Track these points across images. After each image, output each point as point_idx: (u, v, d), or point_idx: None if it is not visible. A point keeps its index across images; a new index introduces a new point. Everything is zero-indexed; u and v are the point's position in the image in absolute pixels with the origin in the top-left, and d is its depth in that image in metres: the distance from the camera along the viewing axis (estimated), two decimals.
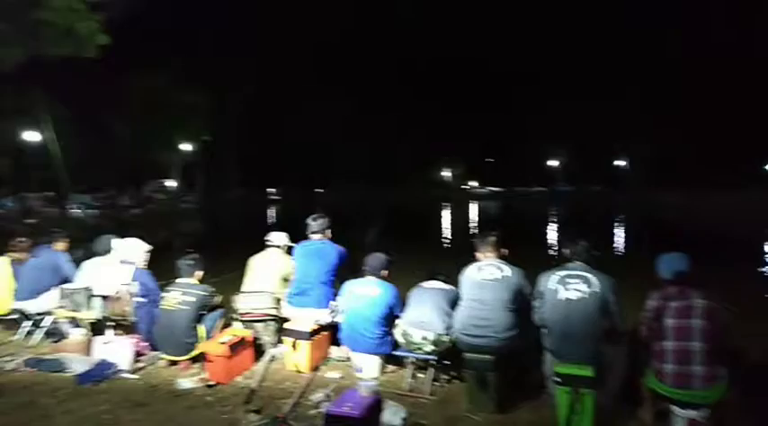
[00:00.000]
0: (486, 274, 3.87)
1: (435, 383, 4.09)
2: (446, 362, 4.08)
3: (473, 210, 38.48)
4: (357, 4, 58.03)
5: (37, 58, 14.73)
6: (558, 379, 3.21)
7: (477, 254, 4.09)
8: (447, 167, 72.40)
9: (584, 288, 3.49)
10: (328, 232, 5.08)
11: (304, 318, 4.64)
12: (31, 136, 25.18)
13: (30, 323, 5.28)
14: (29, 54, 13.87)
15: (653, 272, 3.45)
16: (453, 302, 4.06)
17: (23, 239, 5.80)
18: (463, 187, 70.51)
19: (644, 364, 3.27)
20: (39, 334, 5.26)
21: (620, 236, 21.09)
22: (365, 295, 4.32)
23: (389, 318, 4.31)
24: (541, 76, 61.05)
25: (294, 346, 4.48)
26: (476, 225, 26.15)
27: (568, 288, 3.53)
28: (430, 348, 3.98)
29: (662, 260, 3.38)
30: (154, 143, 34.92)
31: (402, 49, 64.32)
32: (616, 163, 58.46)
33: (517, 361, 3.80)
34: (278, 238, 5.27)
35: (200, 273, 4.86)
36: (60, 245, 5.69)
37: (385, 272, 4.46)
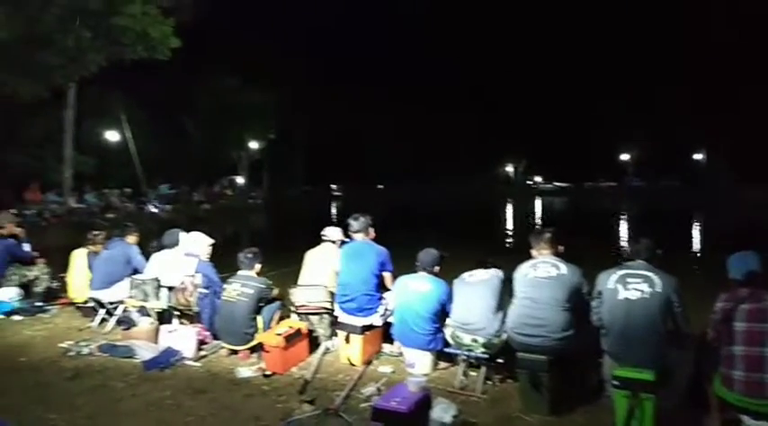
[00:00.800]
0: (541, 272, 3.75)
1: (488, 381, 4.01)
2: (499, 361, 4.00)
3: (537, 206, 37.40)
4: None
5: (115, 62, 15.74)
6: (617, 383, 3.06)
7: (532, 251, 3.97)
8: (510, 162, 70.70)
9: (645, 287, 3.30)
10: (371, 231, 5.04)
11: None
12: (112, 136, 26.94)
13: (104, 311, 5.65)
14: (108, 58, 14.83)
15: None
16: (501, 292, 3.97)
17: (98, 232, 6.22)
18: (528, 182, 68.65)
19: (711, 369, 3.06)
20: (111, 322, 5.62)
21: (697, 236, 19.85)
22: (416, 290, 4.30)
23: (440, 314, 4.28)
24: (612, 65, 58.28)
25: (347, 339, 4.54)
26: (539, 221, 25.47)
27: (628, 287, 3.35)
28: (481, 349, 3.92)
29: (732, 259, 3.14)
30: (224, 141, 36.45)
31: (461, 42, 63.53)
32: (695, 156, 54.82)
33: (573, 363, 3.66)
34: (332, 233, 5.36)
35: (258, 266, 5.02)
36: (132, 238, 6.05)
37: (436, 268, 4.42)
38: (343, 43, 56.15)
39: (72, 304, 6.30)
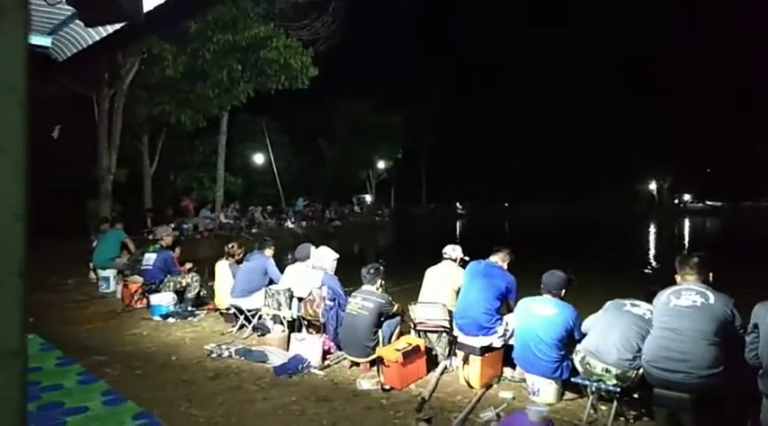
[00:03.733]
0: (684, 300, 3.36)
1: (620, 418, 3.68)
2: (633, 395, 3.64)
3: (685, 228, 33.75)
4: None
5: (260, 91, 17.34)
6: None
7: (677, 277, 3.59)
8: (654, 178, 64.74)
9: None
10: (507, 258, 4.93)
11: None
12: (257, 158, 29.66)
13: (243, 317, 6.15)
14: (255, 89, 16.39)
15: None
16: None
17: (233, 245, 6.84)
18: (675, 201, 62.37)
19: None
20: (249, 328, 6.09)
21: None
22: (541, 314, 4.10)
23: (567, 341, 4.02)
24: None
25: (466, 360, 4.45)
26: (687, 246, 22.94)
27: None
28: (613, 381, 3.60)
29: None
30: (354, 162, 38.33)
31: (599, 47, 60.05)
32: None
33: (721, 405, 3.22)
34: (452, 251, 5.34)
35: (380, 282, 5.15)
36: (269, 251, 6.54)
37: (563, 292, 4.18)
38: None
39: (217, 310, 6.97)
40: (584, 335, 4.02)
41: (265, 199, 28.05)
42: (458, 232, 34.14)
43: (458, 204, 56.60)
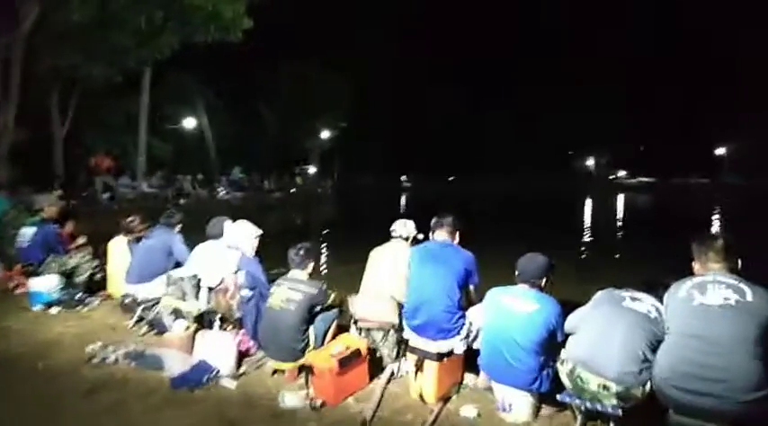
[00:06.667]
0: (713, 297, 2.52)
1: None
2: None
3: (620, 203, 34.33)
4: None
5: (190, 46, 15.50)
6: None
7: (695, 265, 2.75)
8: (591, 155, 66.60)
9: None
10: (455, 231, 3.86)
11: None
12: (188, 122, 27.38)
13: (140, 308, 4.93)
14: (180, 41, 14.55)
15: None
16: (659, 333, 2.76)
17: (134, 218, 5.53)
18: (610, 177, 64.39)
19: None
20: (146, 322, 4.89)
21: None
22: (516, 310, 3.17)
23: (549, 345, 3.13)
24: (709, 51, 53.18)
25: (419, 367, 3.49)
26: (622, 221, 23.03)
27: None
28: (613, 401, 2.74)
29: None
30: (296, 129, 36.54)
31: (543, 31, 60.35)
32: None
33: None
34: (403, 228, 4.30)
35: (311, 266, 4.09)
36: (175, 226, 5.30)
37: (544, 281, 3.26)
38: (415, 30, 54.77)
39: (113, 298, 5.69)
40: (566, 336, 3.16)
41: (198, 168, 26.03)
42: (404, 204, 33.43)
43: (402, 177, 56.00)
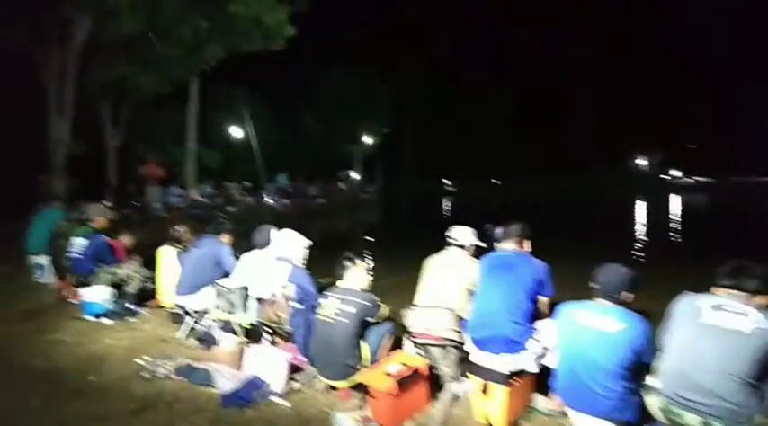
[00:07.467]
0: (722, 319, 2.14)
1: None
2: None
3: (674, 205, 32.53)
4: None
5: (235, 56, 15.70)
6: None
7: (716, 289, 2.40)
8: (643, 154, 63.92)
9: None
10: (527, 242, 3.61)
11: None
12: (236, 131, 27.89)
13: (191, 320, 4.81)
14: (226, 50, 14.74)
15: None
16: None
17: (181, 227, 5.44)
18: (662, 177, 61.65)
19: None
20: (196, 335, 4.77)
21: None
22: (596, 329, 2.82)
23: (636, 369, 2.76)
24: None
25: (484, 390, 3.19)
26: (678, 224, 21.64)
27: None
28: None
29: None
30: (339, 136, 36.80)
31: (592, 25, 58.60)
32: None
33: None
34: (461, 234, 4.00)
35: (361, 275, 3.84)
36: (225, 237, 5.17)
37: (628, 295, 2.89)
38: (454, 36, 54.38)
39: (164, 308, 5.63)
40: (654, 357, 2.78)
41: (245, 176, 26.42)
42: (450, 209, 32.92)
43: (446, 181, 55.28)
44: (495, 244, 3.62)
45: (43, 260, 7.27)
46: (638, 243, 14.66)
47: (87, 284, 5.69)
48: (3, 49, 10.74)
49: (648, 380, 2.70)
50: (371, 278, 4.00)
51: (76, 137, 13.97)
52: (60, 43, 12.32)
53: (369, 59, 36.68)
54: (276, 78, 29.62)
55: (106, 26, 12.14)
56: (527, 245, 3.58)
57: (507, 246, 3.55)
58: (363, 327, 3.66)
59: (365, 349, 3.65)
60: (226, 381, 3.75)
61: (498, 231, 3.60)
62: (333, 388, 3.70)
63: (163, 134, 22.34)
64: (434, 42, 50.84)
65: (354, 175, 39.03)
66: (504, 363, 3.18)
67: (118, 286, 5.72)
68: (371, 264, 4.06)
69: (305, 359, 4.02)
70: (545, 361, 3.23)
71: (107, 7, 11.55)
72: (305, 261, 4.38)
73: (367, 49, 38.69)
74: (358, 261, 3.82)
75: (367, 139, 38.93)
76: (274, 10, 13.61)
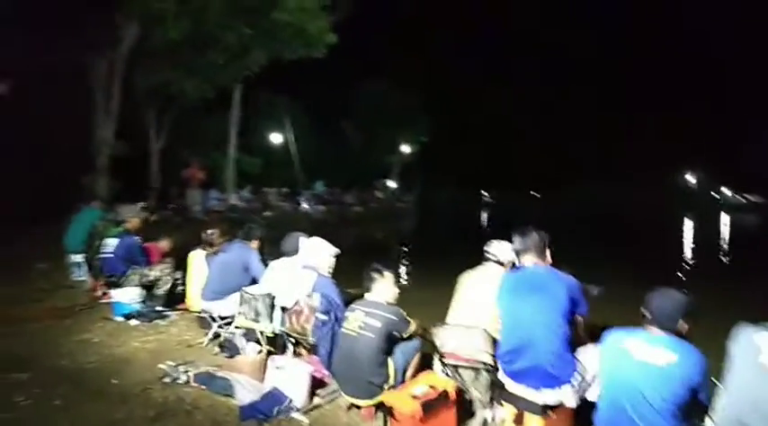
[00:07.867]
0: None
1: None
2: None
3: (724, 225, 30.83)
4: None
5: (277, 64, 15.91)
6: None
7: None
8: (691, 171, 61.42)
9: None
10: (544, 251, 3.18)
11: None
12: (276, 138, 28.29)
13: (216, 325, 4.73)
14: (268, 57, 14.93)
15: None
16: None
17: (212, 231, 5.38)
18: (713, 194, 58.95)
19: None
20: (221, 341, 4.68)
21: None
22: (644, 360, 2.53)
23: (691, 407, 2.46)
24: None
25: (518, 420, 2.93)
26: (727, 246, 20.34)
27: None
28: None
29: None
30: (377, 144, 36.85)
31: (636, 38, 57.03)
32: None
33: None
34: (499, 250, 3.76)
35: (390, 288, 3.64)
36: (254, 242, 5.08)
37: (683, 325, 2.60)
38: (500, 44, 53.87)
39: (192, 311, 5.58)
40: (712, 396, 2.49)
41: (284, 182, 26.70)
42: (487, 220, 32.37)
43: (483, 192, 54.54)
44: (515, 260, 3.29)
45: (80, 259, 7.40)
46: (687, 265, 13.92)
47: (118, 284, 5.71)
48: (51, 51, 11.09)
49: (708, 423, 2.40)
50: (402, 290, 3.80)
51: (121, 139, 14.36)
52: (109, 48, 12.71)
53: (405, 67, 36.75)
54: (317, 86, 29.92)
55: (153, 32, 12.46)
56: (548, 257, 3.22)
57: (528, 262, 3.18)
58: (390, 343, 3.47)
59: (391, 366, 3.46)
60: (246, 392, 3.62)
61: (516, 243, 3.22)
62: (356, 407, 3.52)
63: (205, 139, 22.82)
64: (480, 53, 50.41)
65: (391, 184, 38.95)
66: (542, 396, 2.91)
67: (149, 287, 5.72)
68: (403, 276, 3.83)
69: (328, 373, 3.87)
70: (587, 395, 2.95)
71: (154, 14, 11.85)
72: (331, 270, 4.23)
73: (404, 58, 38.71)
74: (386, 273, 3.64)
75: (405, 148, 38.85)
76: (317, 18, 13.71)
